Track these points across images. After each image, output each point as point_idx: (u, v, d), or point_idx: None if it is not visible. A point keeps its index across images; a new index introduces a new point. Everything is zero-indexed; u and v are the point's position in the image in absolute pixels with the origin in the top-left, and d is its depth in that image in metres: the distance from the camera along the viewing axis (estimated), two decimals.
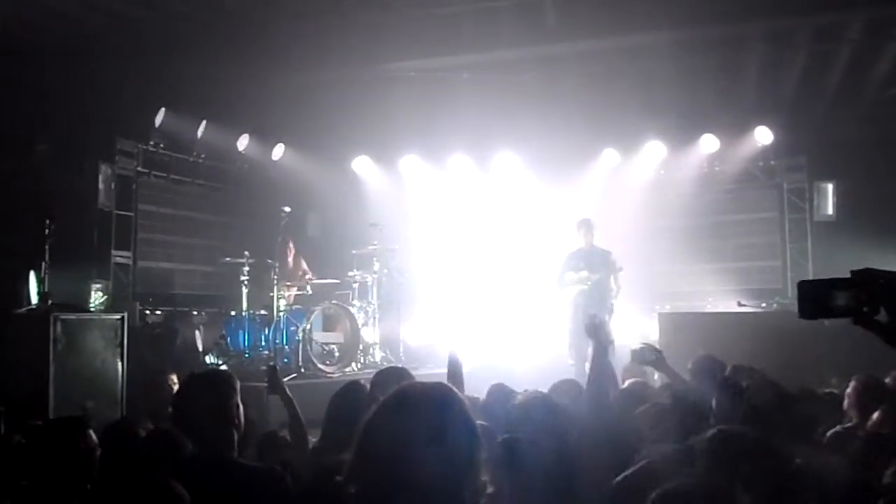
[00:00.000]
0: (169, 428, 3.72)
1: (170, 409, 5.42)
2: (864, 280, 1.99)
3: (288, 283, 10.02)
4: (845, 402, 4.69)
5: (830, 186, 11.07)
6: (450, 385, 1.99)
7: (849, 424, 4.40)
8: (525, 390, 4.55)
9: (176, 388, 5.82)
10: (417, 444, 1.77)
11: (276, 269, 9.76)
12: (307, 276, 10.35)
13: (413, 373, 4.65)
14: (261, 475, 3.09)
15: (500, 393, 4.72)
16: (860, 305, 1.98)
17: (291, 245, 10.39)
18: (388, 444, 1.79)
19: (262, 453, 4.21)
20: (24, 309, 7.32)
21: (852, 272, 2.01)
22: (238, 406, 3.19)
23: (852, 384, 4.68)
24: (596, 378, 3.70)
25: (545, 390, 4.81)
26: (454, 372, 4.16)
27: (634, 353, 5.17)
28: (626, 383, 6.02)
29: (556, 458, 3.01)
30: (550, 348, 10.02)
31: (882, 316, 1.97)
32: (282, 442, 4.49)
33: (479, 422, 3.67)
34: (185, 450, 3.36)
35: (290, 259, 10.33)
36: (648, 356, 5.11)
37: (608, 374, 3.91)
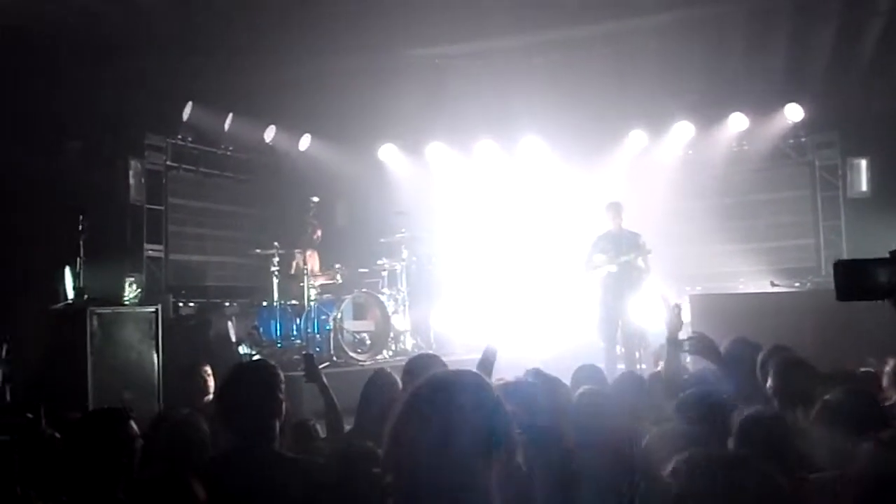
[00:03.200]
0: (188, 418, 3.74)
1: (207, 399, 5.53)
2: None
3: (316, 274, 10.06)
4: (884, 381, 4.62)
5: (864, 162, 10.87)
6: (478, 372, 1.99)
7: (888, 404, 4.33)
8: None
9: (210, 378, 5.91)
10: (451, 432, 1.78)
11: (306, 259, 9.82)
12: (336, 265, 10.33)
13: (444, 359, 4.67)
14: (300, 465, 3.12)
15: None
16: None
17: (319, 233, 10.40)
18: (422, 433, 1.81)
19: (296, 443, 4.26)
20: (60, 304, 7.45)
21: (891, 252, 1.92)
22: (282, 399, 3.21)
23: (891, 363, 4.60)
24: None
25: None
26: (486, 360, 4.16)
27: (681, 343, 4.59)
28: (660, 365, 6.00)
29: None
30: (580, 332, 9.99)
31: None
32: (314, 431, 4.54)
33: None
34: (206, 442, 3.38)
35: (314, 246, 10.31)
36: (698, 346, 4.55)
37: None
